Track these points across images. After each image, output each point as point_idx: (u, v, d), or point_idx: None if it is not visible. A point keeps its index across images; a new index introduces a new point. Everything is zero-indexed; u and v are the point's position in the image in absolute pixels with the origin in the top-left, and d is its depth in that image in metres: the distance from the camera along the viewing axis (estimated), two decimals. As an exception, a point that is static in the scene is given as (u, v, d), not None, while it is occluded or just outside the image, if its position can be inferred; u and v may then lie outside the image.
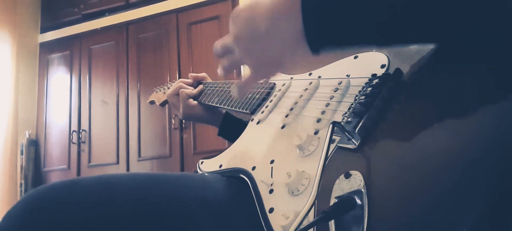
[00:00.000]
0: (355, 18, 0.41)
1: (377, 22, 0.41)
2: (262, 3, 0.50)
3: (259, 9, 0.49)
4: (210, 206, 0.53)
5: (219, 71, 0.60)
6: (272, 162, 0.53)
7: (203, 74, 0.99)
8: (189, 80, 0.99)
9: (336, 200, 0.38)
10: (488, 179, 0.31)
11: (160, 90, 1.15)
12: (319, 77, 0.59)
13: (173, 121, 2.86)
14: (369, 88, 0.47)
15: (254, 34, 0.49)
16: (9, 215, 0.47)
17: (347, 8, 0.41)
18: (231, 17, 0.53)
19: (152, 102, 1.16)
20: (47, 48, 3.47)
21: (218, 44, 0.58)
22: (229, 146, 0.66)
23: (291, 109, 0.59)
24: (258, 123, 0.64)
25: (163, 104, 1.11)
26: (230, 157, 0.63)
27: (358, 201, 0.37)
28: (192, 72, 1.00)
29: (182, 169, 2.80)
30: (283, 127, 0.57)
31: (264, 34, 0.48)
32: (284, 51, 0.48)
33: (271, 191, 0.49)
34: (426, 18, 0.39)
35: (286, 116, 0.59)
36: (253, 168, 0.55)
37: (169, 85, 1.11)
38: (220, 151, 0.66)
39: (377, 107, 0.44)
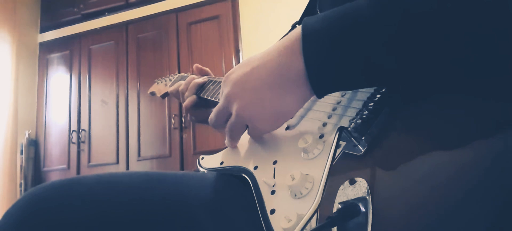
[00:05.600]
0: (358, 64, 0.42)
1: (378, 68, 0.41)
2: (255, 59, 0.50)
3: (253, 64, 0.50)
4: (210, 205, 0.53)
5: (226, 143, 0.59)
6: (274, 162, 0.52)
7: (207, 69, 0.95)
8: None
9: (340, 206, 0.38)
10: (498, 195, 0.30)
11: (161, 82, 1.12)
12: None
13: (173, 120, 2.86)
14: (378, 95, 0.46)
15: (249, 87, 0.49)
16: (8, 214, 0.47)
17: (348, 53, 0.42)
18: (224, 79, 0.53)
19: (152, 93, 1.14)
20: (47, 48, 3.46)
21: (212, 114, 0.57)
22: (229, 146, 0.66)
23: None
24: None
25: (163, 96, 1.08)
26: (232, 155, 0.62)
27: (362, 208, 0.36)
28: (192, 71, 0.97)
29: (182, 169, 2.79)
30: (287, 129, 0.57)
31: (261, 86, 0.48)
32: (283, 101, 0.48)
33: (273, 192, 0.49)
34: (426, 57, 0.39)
35: (291, 118, 0.58)
36: (255, 168, 0.54)
37: (171, 77, 1.09)
38: (220, 151, 0.66)
39: (385, 115, 0.43)
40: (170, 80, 1.07)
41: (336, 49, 0.42)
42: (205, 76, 0.90)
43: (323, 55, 0.43)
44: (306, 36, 0.45)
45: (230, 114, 0.53)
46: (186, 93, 0.89)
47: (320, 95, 0.46)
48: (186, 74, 1.04)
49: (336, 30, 0.42)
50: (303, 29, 0.45)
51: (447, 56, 0.38)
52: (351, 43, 0.41)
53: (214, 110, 0.56)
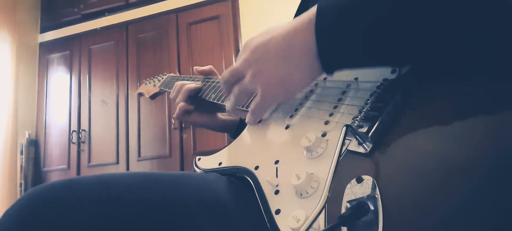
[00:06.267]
0: (368, 41, 0.44)
1: (389, 45, 0.43)
2: (275, 29, 0.53)
3: (273, 34, 0.53)
4: (210, 205, 0.53)
5: (228, 105, 0.62)
6: (276, 162, 0.52)
7: (210, 66, 0.92)
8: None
9: (348, 205, 0.38)
10: (505, 187, 0.30)
11: (149, 82, 1.11)
12: (325, 79, 0.58)
13: (173, 120, 2.85)
14: (381, 93, 0.46)
15: (266, 55, 0.52)
16: (8, 214, 0.47)
17: (361, 32, 0.44)
18: (244, 44, 0.57)
19: (140, 94, 1.13)
20: (47, 48, 3.46)
21: (226, 71, 0.60)
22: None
23: (296, 110, 0.58)
24: (259, 121, 0.63)
25: (153, 97, 1.07)
26: (230, 155, 0.62)
27: (371, 207, 0.36)
28: (192, 72, 0.94)
29: (182, 169, 2.79)
30: (287, 127, 0.56)
31: (277, 56, 0.51)
32: (296, 73, 0.51)
33: (277, 192, 0.48)
34: (436, 39, 0.40)
35: (291, 116, 0.58)
36: (256, 168, 0.54)
37: (159, 77, 1.07)
38: (219, 151, 0.65)
39: (389, 113, 0.43)
40: (159, 80, 1.06)
41: (344, 26, 0.45)
42: (198, 82, 0.87)
43: (333, 32, 0.46)
44: (319, 15, 0.47)
45: (243, 77, 0.56)
46: (177, 99, 0.86)
47: (328, 70, 0.49)
48: (174, 75, 1.03)
49: (345, 7, 0.45)
50: (318, 7, 0.48)
51: (445, 44, 0.39)
52: (354, 19, 0.44)
53: (229, 70, 0.59)
